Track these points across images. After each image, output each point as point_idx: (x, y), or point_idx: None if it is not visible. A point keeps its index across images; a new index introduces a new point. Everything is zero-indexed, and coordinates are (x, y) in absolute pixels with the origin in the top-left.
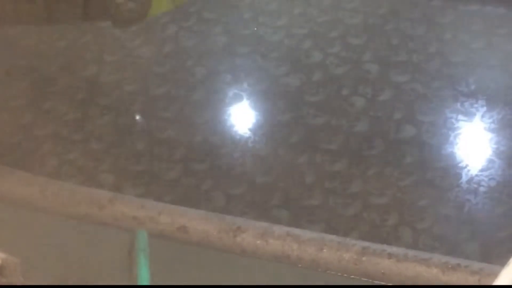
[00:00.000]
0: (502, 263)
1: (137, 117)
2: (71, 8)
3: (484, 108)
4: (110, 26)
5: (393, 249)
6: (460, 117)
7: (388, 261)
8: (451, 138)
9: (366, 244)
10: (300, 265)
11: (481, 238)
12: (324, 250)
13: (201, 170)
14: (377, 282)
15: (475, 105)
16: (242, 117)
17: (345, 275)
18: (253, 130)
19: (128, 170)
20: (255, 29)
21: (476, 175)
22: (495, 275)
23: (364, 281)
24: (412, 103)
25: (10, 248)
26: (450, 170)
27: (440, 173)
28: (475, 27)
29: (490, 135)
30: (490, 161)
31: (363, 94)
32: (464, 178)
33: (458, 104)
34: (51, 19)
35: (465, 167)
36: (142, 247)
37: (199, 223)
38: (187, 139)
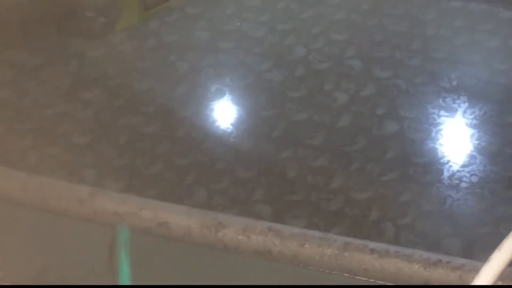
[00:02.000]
0: (484, 259)
1: (120, 112)
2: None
3: (466, 104)
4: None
5: (375, 245)
6: (442, 112)
7: (370, 257)
8: (433, 134)
9: (348, 239)
10: (282, 261)
11: (462, 234)
12: (306, 246)
13: (183, 165)
14: (358, 278)
15: (457, 101)
16: (224, 112)
17: (327, 270)
18: (235, 125)
19: (110, 165)
20: (238, 24)
21: (458, 171)
22: (477, 271)
23: (346, 277)
24: (394, 98)
25: None
26: (432, 165)
27: (422, 168)
28: (457, 23)
29: (471, 131)
30: (472, 157)
31: (346, 89)
32: (446, 174)
33: (440, 100)
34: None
35: (447, 162)
36: (123, 242)
37: (181, 218)
38: (169, 134)
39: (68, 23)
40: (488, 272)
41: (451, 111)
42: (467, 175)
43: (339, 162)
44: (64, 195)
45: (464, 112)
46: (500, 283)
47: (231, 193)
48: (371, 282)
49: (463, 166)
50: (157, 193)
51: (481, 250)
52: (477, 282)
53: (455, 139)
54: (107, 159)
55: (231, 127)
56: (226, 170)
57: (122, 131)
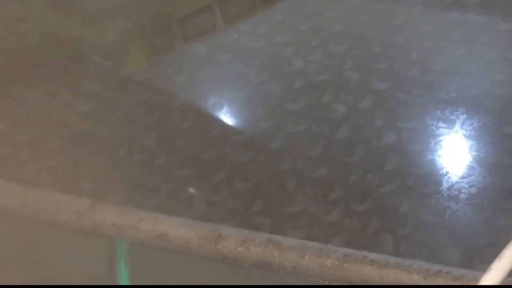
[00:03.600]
0: (484, 270)
1: (118, 124)
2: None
3: (465, 116)
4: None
5: (375, 256)
6: (441, 124)
7: (370, 268)
8: (432, 145)
9: (347, 250)
10: (281, 272)
11: (462, 245)
12: (306, 257)
13: (182, 177)
14: None
15: (456, 113)
16: (223, 124)
17: (327, 282)
18: (233, 137)
19: (109, 177)
20: (237, 37)
21: (457, 182)
22: (477, 281)
23: None
24: (393, 110)
25: None
26: (431, 177)
27: (421, 179)
28: (455, 34)
29: (470, 142)
30: (471, 168)
31: (344, 101)
32: (445, 185)
33: (439, 112)
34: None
35: (446, 174)
36: (122, 255)
37: (180, 230)
38: (168, 146)
39: (76, 67)
40: (488, 282)
41: (450, 122)
42: (466, 186)
43: (338, 173)
44: (63, 208)
45: (463, 123)
46: None
47: (230, 205)
48: None
49: (462, 177)
50: (157, 204)
51: (480, 261)
52: None
53: (454, 150)
54: (105, 172)
55: (229, 138)
56: (225, 182)
57: (121, 143)
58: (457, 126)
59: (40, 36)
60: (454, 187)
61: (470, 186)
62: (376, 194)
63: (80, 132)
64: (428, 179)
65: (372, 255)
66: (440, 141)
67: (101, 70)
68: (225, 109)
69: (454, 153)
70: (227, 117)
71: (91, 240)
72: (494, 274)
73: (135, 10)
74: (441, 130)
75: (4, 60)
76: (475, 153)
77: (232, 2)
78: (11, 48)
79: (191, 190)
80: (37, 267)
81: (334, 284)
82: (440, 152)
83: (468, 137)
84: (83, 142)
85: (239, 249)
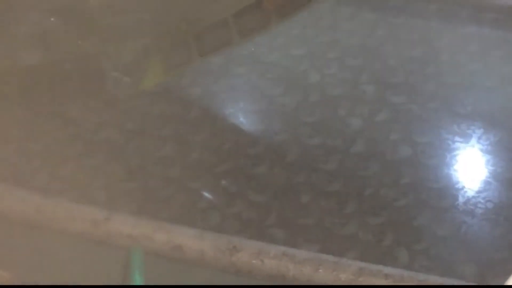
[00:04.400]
0: (498, 285)
1: (132, 136)
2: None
3: (481, 130)
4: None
5: (390, 270)
6: (457, 138)
7: (385, 282)
8: (448, 159)
9: (362, 264)
10: (296, 285)
11: (477, 260)
12: (320, 271)
13: (196, 188)
14: None
15: (472, 127)
16: (238, 136)
17: None
18: (248, 149)
19: (121, 187)
20: (253, 49)
21: (473, 197)
22: None
23: None
24: (408, 124)
25: (3, 264)
26: (447, 191)
27: (436, 194)
28: (471, 48)
29: (487, 157)
30: (487, 183)
31: (360, 114)
32: (460, 200)
33: (455, 126)
34: None
35: (462, 188)
36: (137, 266)
37: (195, 242)
38: (183, 157)
39: (94, 83)
40: None
41: (466, 137)
42: (482, 201)
43: (353, 187)
44: (79, 217)
45: (479, 138)
46: None
47: (244, 217)
48: None
49: (478, 192)
50: (171, 215)
51: (495, 276)
52: None
53: (470, 165)
54: (118, 182)
55: (244, 151)
56: (239, 193)
57: (133, 154)
58: (473, 141)
59: (61, 54)
60: (470, 202)
61: (486, 201)
62: (391, 208)
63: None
64: (443, 193)
65: (387, 269)
66: (456, 155)
67: (119, 85)
68: (239, 120)
69: (470, 167)
70: (241, 129)
71: (106, 249)
72: None
73: (152, 27)
74: (457, 144)
75: (26, 77)
76: (492, 168)
77: (247, 16)
78: (32, 65)
79: (206, 201)
80: (53, 276)
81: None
82: (455, 167)
83: (485, 151)
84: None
85: (254, 261)
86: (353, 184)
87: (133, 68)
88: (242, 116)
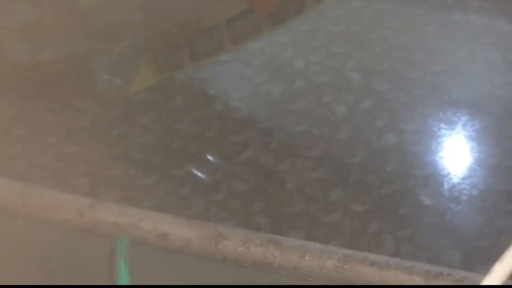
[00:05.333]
0: (485, 272)
1: (115, 123)
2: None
3: (466, 117)
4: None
5: (376, 257)
6: (442, 125)
7: (371, 269)
8: (433, 147)
9: (348, 251)
10: (282, 273)
11: (463, 247)
12: (306, 258)
13: (179, 176)
14: None
15: (458, 114)
16: (221, 123)
17: (327, 283)
18: (232, 137)
19: (104, 175)
20: None
21: (458, 183)
22: (478, 283)
23: None
24: (394, 111)
25: None
26: (432, 178)
27: (422, 181)
28: (458, 36)
29: (472, 144)
30: (472, 169)
31: (345, 102)
32: (446, 186)
33: (441, 113)
34: None
35: (447, 175)
36: (122, 254)
37: (181, 229)
38: (165, 145)
39: (85, 85)
40: (490, 284)
41: (451, 123)
42: (468, 187)
43: (338, 174)
44: (64, 206)
45: (464, 125)
46: None
47: (227, 204)
48: None
49: (463, 178)
50: (154, 203)
51: (481, 263)
52: None
53: (455, 152)
54: (101, 169)
55: (228, 138)
56: (223, 181)
57: (116, 141)
58: (458, 128)
59: (52, 54)
60: (455, 189)
61: (472, 187)
62: (377, 195)
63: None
64: (429, 180)
65: (373, 256)
66: (442, 142)
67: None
68: (223, 108)
69: (456, 154)
70: (225, 117)
71: (91, 238)
72: (495, 276)
73: (143, 29)
74: (443, 131)
75: (16, 76)
76: (476, 155)
77: (240, 23)
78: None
79: (189, 190)
80: (37, 266)
81: (334, 284)
82: (441, 154)
83: (470, 138)
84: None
85: (240, 249)
86: (338, 171)
87: (124, 71)
88: (227, 103)
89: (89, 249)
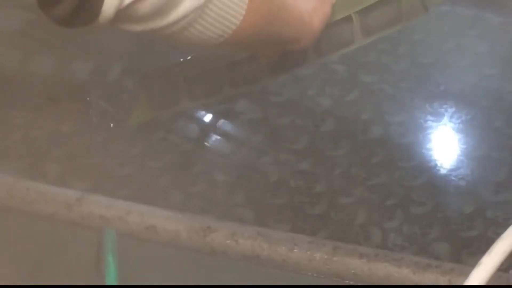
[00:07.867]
0: (473, 263)
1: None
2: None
3: (453, 109)
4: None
5: (364, 249)
6: (429, 117)
7: (359, 261)
8: (420, 139)
9: (337, 244)
10: (270, 265)
11: (451, 238)
12: (295, 250)
13: (158, 168)
14: (346, 282)
15: (444, 106)
16: (204, 117)
17: (315, 275)
18: (215, 129)
19: (77, 165)
20: None
21: (445, 175)
22: (466, 275)
23: (335, 281)
24: (380, 103)
25: None
26: (419, 170)
27: (408, 173)
28: (445, 28)
29: (459, 136)
30: (459, 161)
31: (330, 94)
32: (433, 178)
33: (427, 105)
34: None
35: (434, 167)
36: (110, 247)
37: (169, 222)
38: (145, 137)
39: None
40: (478, 276)
41: (438, 115)
42: (455, 179)
43: (323, 166)
44: (51, 199)
45: (451, 117)
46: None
47: (209, 196)
48: (346, 283)
49: (451, 170)
50: (130, 194)
51: (469, 254)
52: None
53: (442, 144)
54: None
55: (210, 130)
56: (204, 173)
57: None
58: (445, 119)
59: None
60: (443, 180)
61: (459, 179)
62: (363, 187)
63: None
64: (415, 172)
65: (362, 249)
66: (428, 134)
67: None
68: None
69: (442, 146)
70: (208, 109)
71: (79, 232)
72: (484, 268)
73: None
74: (429, 123)
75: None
76: (464, 146)
77: (240, 69)
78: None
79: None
80: (24, 259)
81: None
82: (428, 145)
83: (457, 130)
84: None
85: (228, 241)
86: (323, 164)
87: (119, 101)
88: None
89: (77, 242)
